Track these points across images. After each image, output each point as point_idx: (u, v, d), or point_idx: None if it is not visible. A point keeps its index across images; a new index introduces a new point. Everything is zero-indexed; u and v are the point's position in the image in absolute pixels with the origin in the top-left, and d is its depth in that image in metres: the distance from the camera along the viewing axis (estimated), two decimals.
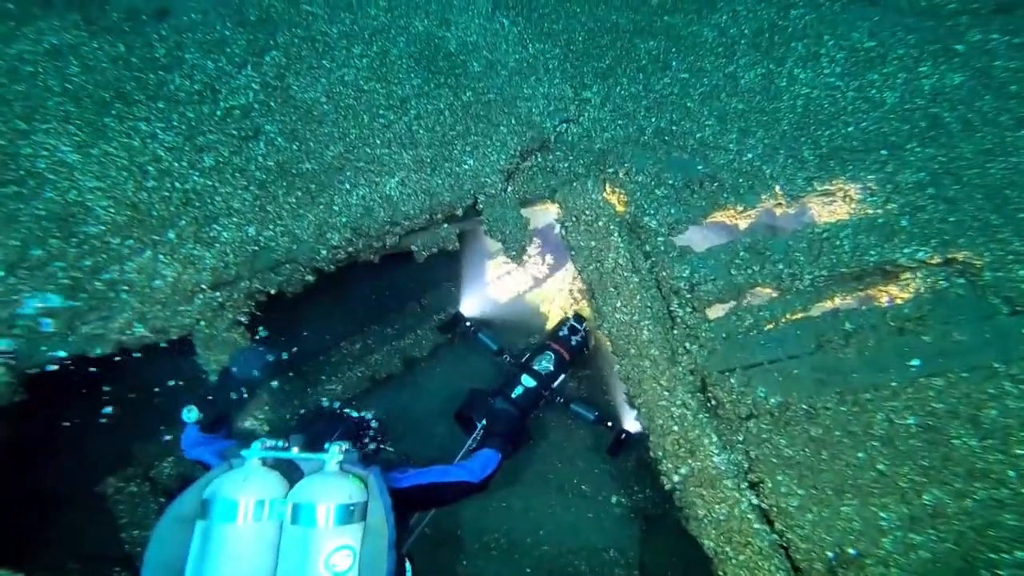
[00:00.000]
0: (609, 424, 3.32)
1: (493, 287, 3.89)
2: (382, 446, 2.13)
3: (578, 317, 3.54)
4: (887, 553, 2.00)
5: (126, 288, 2.55)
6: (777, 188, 2.96)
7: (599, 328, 2.68)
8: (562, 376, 3.34)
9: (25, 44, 3.26)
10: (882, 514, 2.07)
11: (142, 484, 3.01)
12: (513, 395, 3.12)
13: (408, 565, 1.80)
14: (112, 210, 2.72)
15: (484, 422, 2.83)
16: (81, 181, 2.79)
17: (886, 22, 3.52)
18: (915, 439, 2.24)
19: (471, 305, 3.81)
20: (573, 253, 2.84)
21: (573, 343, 3.40)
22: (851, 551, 2.03)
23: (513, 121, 3.08)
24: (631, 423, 3.30)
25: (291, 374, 3.40)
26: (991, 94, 3.15)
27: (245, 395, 2.17)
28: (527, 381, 3.17)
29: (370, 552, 1.41)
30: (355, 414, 2.15)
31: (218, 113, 3.07)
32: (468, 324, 3.65)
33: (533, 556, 3.15)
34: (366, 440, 2.06)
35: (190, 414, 1.95)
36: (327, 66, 3.31)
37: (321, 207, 2.84)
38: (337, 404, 2.60)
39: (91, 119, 3.00)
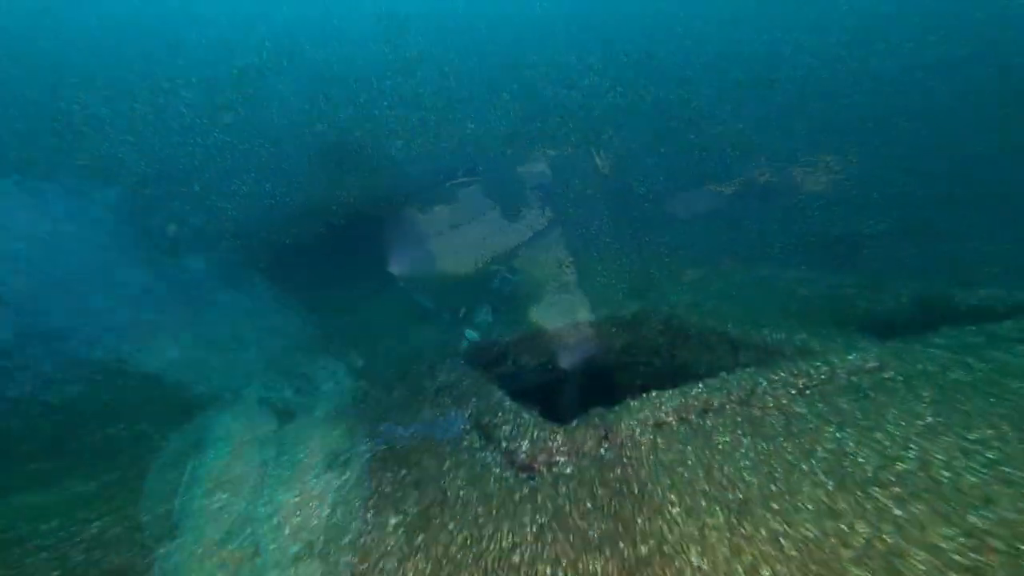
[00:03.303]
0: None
1: (427, 245, 3.83)
2: None
3: (510, 269, 3.73)
4: None
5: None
6: (763, 159, 3.07)
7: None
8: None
9: None
10: None
11: None
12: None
13: None
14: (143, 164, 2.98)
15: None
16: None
17: None
18: None
19: (402, 264, 3.80)
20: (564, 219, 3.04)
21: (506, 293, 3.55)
22: None
23: (516, 86, 3.19)
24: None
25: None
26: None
27: None
28: (470, 335, 3.26)
29: None
30: None
31: (233, 72, 3.24)
32: (402, 284, 3.64)
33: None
34: None
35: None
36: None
37: None
38: None
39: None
